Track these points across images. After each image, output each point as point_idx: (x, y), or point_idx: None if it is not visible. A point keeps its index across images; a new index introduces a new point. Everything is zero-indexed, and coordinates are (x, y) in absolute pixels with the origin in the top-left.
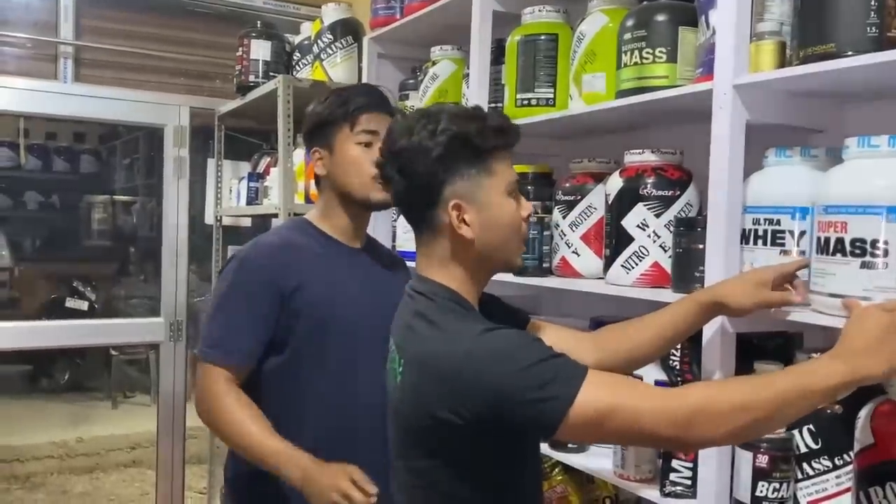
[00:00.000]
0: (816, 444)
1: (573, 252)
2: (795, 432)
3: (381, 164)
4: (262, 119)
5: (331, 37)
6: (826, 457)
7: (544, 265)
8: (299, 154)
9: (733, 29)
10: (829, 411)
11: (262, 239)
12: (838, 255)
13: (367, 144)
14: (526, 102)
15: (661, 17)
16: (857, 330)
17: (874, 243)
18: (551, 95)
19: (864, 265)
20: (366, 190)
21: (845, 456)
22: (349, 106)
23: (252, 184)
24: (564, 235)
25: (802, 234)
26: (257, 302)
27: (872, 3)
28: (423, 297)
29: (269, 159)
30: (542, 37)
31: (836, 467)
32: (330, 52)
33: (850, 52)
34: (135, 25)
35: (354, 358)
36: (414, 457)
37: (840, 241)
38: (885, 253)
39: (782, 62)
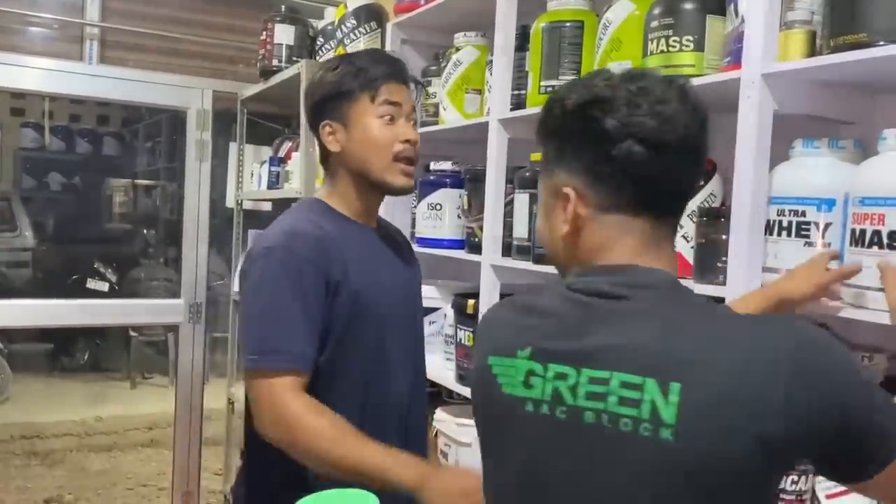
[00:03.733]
0: None
1: None
2: None
3: None
4: (284, 103)
5: (354, 22)
6: None
7: None
8: None
9: (762, 17)
10: None
11: (296, 227)
12: (874, 248)
13: (391, 119)
14: (550, 89)
15: (688, 5)
16: None
17: None
18: None
19: None
20: (386, 172)
21: None
22: (369, 75)
23: (273, 168)
24: None
25: (828, 225)
26: (310, 299)
27: None
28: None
29: (290, 144)
30: (568, 24)
31: None
32: (353, 37)
33: (881, 42)
34: (160, 8)
35: (388, 342)
36: None
37: (877, 233)
38: None
39: (812, 51)
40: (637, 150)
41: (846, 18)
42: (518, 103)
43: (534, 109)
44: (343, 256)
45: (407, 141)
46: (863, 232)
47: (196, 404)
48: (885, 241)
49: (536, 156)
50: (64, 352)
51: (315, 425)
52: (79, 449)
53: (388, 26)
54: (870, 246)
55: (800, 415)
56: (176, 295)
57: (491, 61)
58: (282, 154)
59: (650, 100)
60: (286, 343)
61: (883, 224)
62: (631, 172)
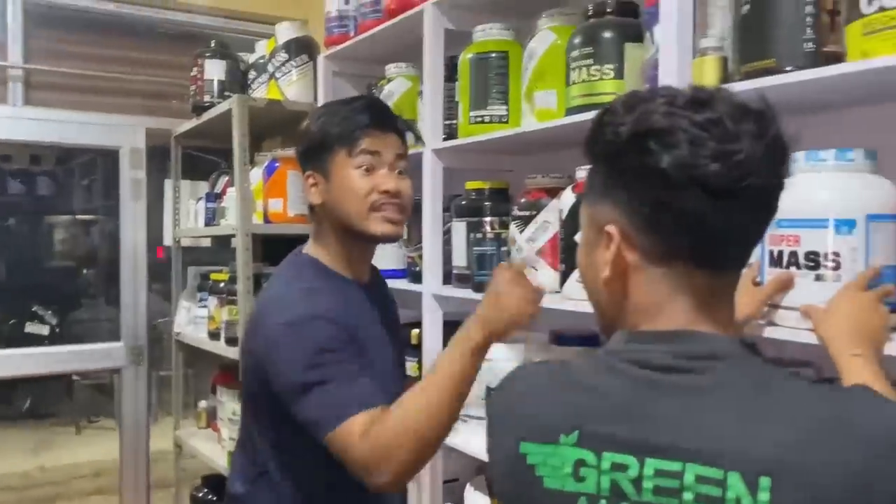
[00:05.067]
0: None
1: (531, 267)
2: None
3: None
4: (218, 138)
5: (285, 55)
6: None
7: None
8: (256, 173)
9: (675, 44)
10: None
11: (310, 294)
12: (792, 269)
13: (368, 169)
14: (479, 119)
15: (607, 34)
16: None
17: (826, 256)
18: (504, 112)
19: (817, 278)
20: (365, 222)
21: None
22: (348, 125)
23: (209, 204)
24: (521, 251)
25: None
26: (353, 362)
27: (808, 19)
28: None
29: (227, 178)
30: (493, 54)
31: None
32: (285, 70)
33: (789, 68)
34: (86, 47)
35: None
36: None
37: (793, 254)
38: (837, 265)
39: (725, 77)
40: (697, 197)
41: (754, 45)
42: (450, 133)
43: (465, 140)
44: (350, 321)
45: (386, 192)
46: (780, 253)
47: (142, 448)
48: (802, 262)
49: (472, 184)
50: (1, 399)
51: (402, 415)
52: (21, 503)
53: (319, 59)
54: (787, 267)
55: None
56: (117, 336)
57: (422, 91)
58: (218, 189)
59: (718, 135)
60: (357, 395)
61: (798, 245)
62: (688, 222)
